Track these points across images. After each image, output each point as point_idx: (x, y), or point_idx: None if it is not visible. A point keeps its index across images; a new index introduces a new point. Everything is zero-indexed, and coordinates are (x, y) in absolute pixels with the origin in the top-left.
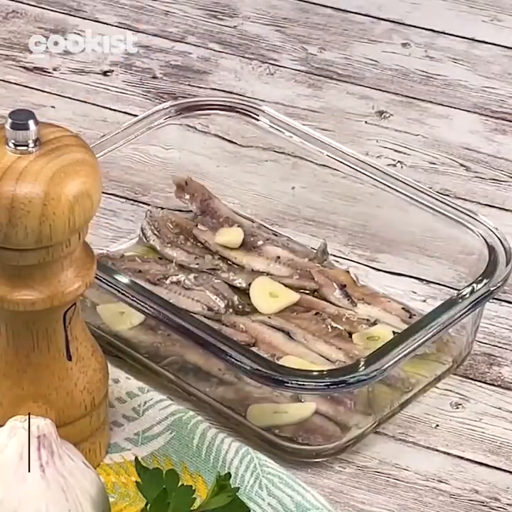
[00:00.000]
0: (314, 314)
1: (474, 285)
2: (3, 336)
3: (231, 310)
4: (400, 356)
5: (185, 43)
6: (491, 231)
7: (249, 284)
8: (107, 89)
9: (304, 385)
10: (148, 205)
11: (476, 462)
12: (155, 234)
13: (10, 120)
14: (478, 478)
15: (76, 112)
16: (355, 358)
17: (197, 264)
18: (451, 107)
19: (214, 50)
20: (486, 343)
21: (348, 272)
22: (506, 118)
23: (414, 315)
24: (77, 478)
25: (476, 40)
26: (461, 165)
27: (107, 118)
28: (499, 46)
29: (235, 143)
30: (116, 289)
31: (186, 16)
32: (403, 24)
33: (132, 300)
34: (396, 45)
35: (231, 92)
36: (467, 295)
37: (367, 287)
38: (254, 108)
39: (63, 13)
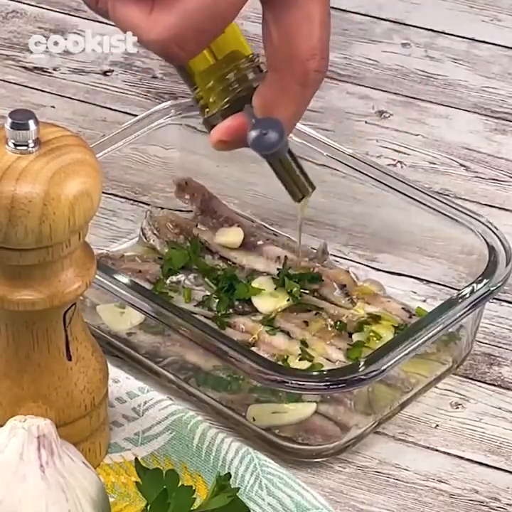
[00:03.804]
0: (314, 314)
1: (474, 285)
2: (3, 336)
3: (231, 310)
4: (400, 356)
5: None
6: (491, 231)
7: (249, 284)
8: (107, 89)
9: (303, 385)
10: (148, 205)
11: (476, 462)
12: (155, 234)
13: (10, 120)
14: (478, 478)
15: (76, 112)
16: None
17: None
18: (451, 106)
19: None
20: (486, 343)
21: (348, 271)
22: (506, 118)
23: (414, 315)
24: (77, 478)
25: (476, 40)
26: (461, 165)
27: (107, 118)
28: (499, 46)
29: None
30: (116, 289)
31: None
32: (403, 24)
33: (132, 300)
34: (396, 45)
35: None
36: (467, 295)
37: (367, 287)
38: None
39: (63, 13)
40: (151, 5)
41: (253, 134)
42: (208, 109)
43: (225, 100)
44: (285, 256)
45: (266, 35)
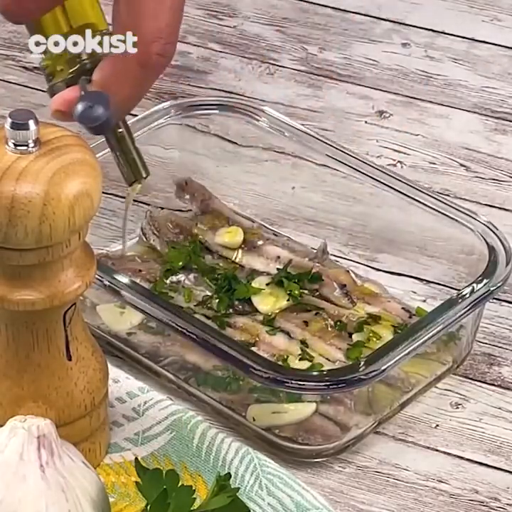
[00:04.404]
0: (314, 314)
1: (474, 285)
2: (3, 336)
3: (231, 310)
4: (400, 356)
5: (185, 42)
6: (491, 231)
7: (249, 284)
8: None
9: (304, 385)
10: (149, 205)
11: (476, 462)
12: (155, 234)
13: (10, 120)
14: (478, 478)
15: None
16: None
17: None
18: (451, 107)
19: (214, 50)
20: (486, 343)
21: (348, 271)
22: (506, 118)
23: (414, 315)
24: (77, 478)
25: (476, 40)
26: (461, 165)
27: None
28: (499, 46)
29: (235, 143)
30: (116, 289)
31: (186, 16)
32: (403, 24)
33: (132, 300)
34: (396, 45)
35: (231, 92)
36: (467, 295)
37: (367, 287)
38: (254, 108)
39: None
40: None
41: (79, 106)
42: (52, 77)
43: (70, 71)
44: (289, 259)
45: (115, 11)
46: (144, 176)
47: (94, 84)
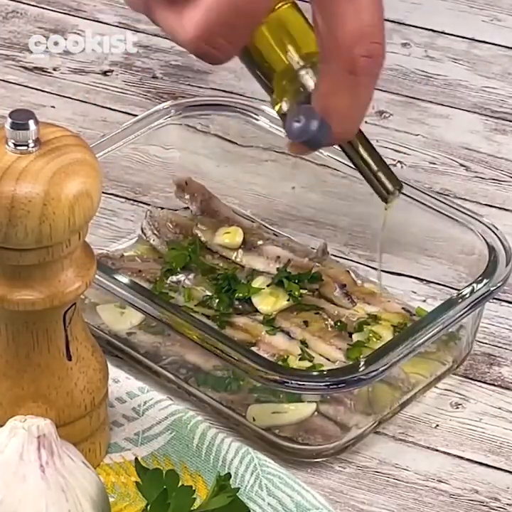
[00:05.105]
0: (314, 314)
1: (474, 285)
2: (3, 336)
3: (231, 310)
4: (400, 356)
5: None
6: (491, 231)
7: (249, 284)
8: (107, 89)
9: (304, 385)
10: (149, 205)
11: (476, 462)
12: (155, 234)
13: (10, 120)
14: (478, 478)
15: (76, 112)
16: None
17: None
18: (451, 106)
19: None
20: (486, 343)
21: (348, 271)
22: (506, 118)
23: (414, 315)
24: (77, 478)
25: (476, 40)
26: (461, 165)
27: (107, 118)
28: (499, 46)
29: (235, 143)
30: (116, 289)
31: None
32: (403, 24)
33: (132, 300)
34: (396, 45)
35: (231, 92)
36: (467, 295)
37: (367, 287)
38: (254, 108)
39: (63, 13)
40: (182, 6)
41: (292, 124)
42: (285, 116)
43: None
44: (288, 259)
45: (314, 26)
46: (392, 189)
47: (315, 105)
